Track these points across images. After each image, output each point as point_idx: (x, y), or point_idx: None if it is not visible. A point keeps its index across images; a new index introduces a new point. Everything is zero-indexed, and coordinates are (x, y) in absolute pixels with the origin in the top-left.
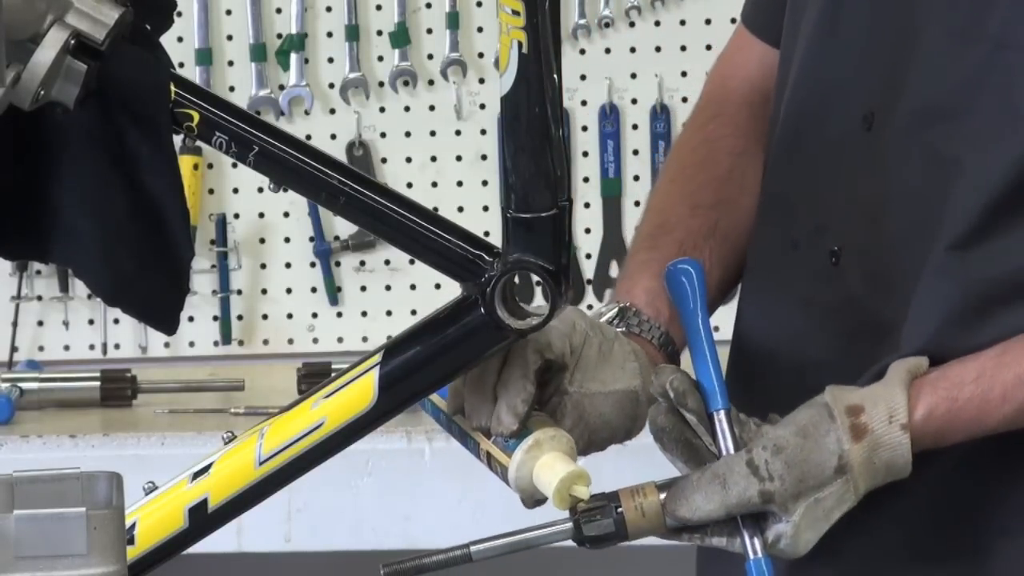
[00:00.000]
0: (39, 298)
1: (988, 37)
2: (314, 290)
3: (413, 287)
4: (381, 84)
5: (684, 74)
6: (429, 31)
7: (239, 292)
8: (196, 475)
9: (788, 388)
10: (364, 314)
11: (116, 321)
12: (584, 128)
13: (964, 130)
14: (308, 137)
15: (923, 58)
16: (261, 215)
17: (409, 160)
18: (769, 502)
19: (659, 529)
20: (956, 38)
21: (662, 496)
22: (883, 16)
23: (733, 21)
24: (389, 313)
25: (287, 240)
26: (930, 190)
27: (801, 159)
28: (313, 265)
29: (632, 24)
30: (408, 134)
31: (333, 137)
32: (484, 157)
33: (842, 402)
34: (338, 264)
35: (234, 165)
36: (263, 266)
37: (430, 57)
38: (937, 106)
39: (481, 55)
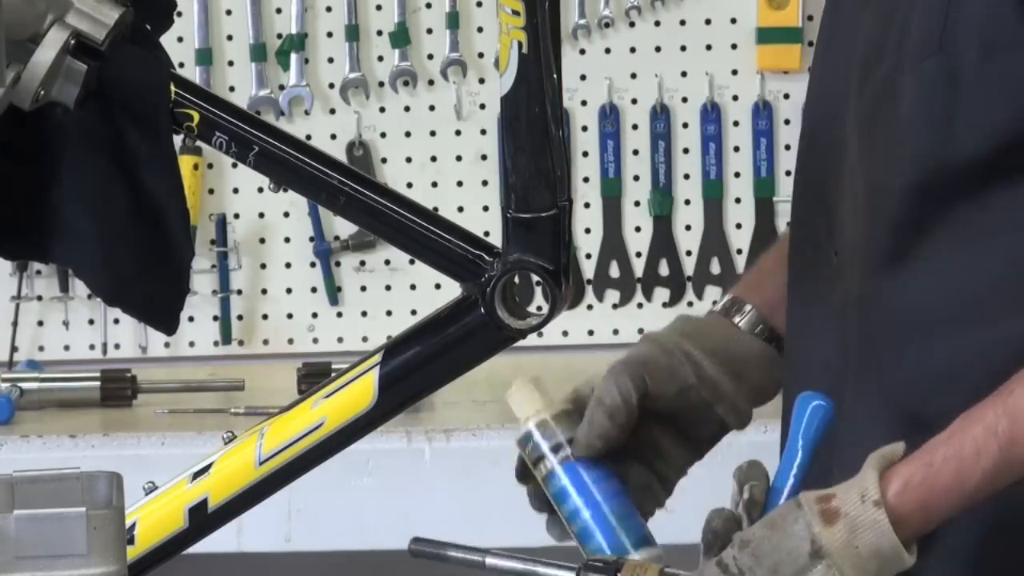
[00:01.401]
0: (39, 298)
1: (888, 55)
2: (314, 290)
3: (413, 287)
4: (381, 84)
5: (684, 74)
6: (429, 31)
7: (239, 292)
8: (196, 475)
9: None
10: (364, 314)
11: (116, 321)
12: (584, 128)
13: (865, 153)
14: (308, 137)
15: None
16: (261, 215)
17: (409, 160)
18: None
19: None
20: (871, 56)
21: None
22: (855, 33)
23: (733, 21)
24: (389, 313)
25: (287, 240)
26: (871, 208)
27: (813, 159)
28: (313, 265)
29: (632, 24)
30: (408, 134)
31: (333, 137)
32: (484, 157)
33: (812, 495)
34: (338, 264)
35: (234, 165)
36: (263, 266)
37: (430, 57)
38: (862, 115)
39: (481, 55)
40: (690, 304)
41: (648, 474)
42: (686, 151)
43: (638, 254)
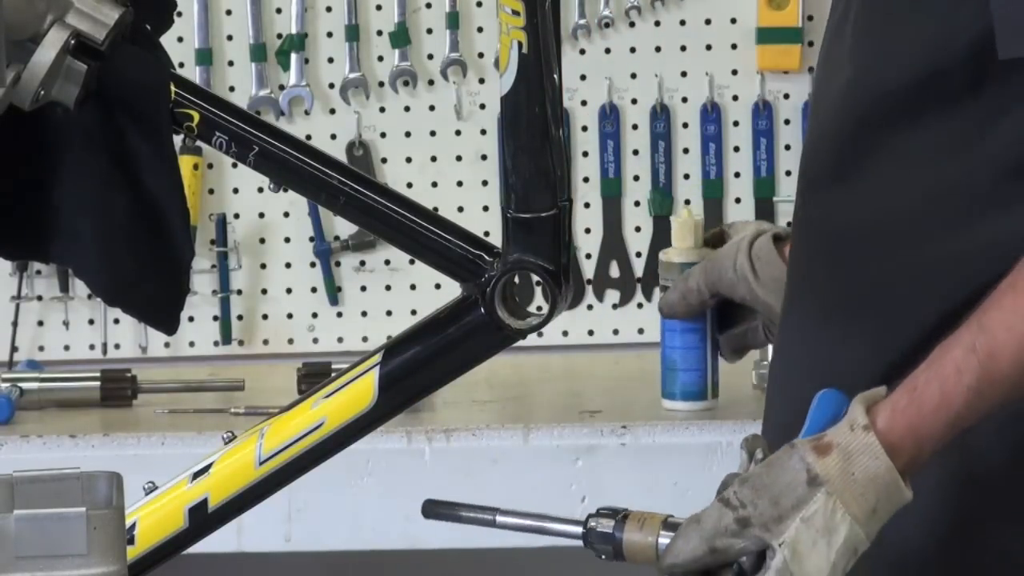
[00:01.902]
0: (39, 298)
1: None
2: (314, 290)
3: (413, 287)
4: (381, 84)
5: (684, 74)
6: (429, 31)
7: (239, 292)
8: (196, 475)
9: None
10: (364, 314)
11: (116, 321)
12: (584, 128)
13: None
14: (308, 137)
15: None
16: (261, 215)
17: (409, 160)
18: (748, 526)
19: (650, 561)
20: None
21: (662, 533)
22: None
23: (733, 21)
24: (389, 313)
25: (287, 240)
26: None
27: (812, 152)
28: (313, 265)
29: (632, 24)
30: (408, 134)
31: (333, 137)
32: (484, 157)
33: (804, 439)
34: (338, 264)
35: (234, 165)
36: (263, 266)
37: (430, 57)
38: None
39: (481, 55)
40: None
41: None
42: (686, 151)
43: (638, 254)
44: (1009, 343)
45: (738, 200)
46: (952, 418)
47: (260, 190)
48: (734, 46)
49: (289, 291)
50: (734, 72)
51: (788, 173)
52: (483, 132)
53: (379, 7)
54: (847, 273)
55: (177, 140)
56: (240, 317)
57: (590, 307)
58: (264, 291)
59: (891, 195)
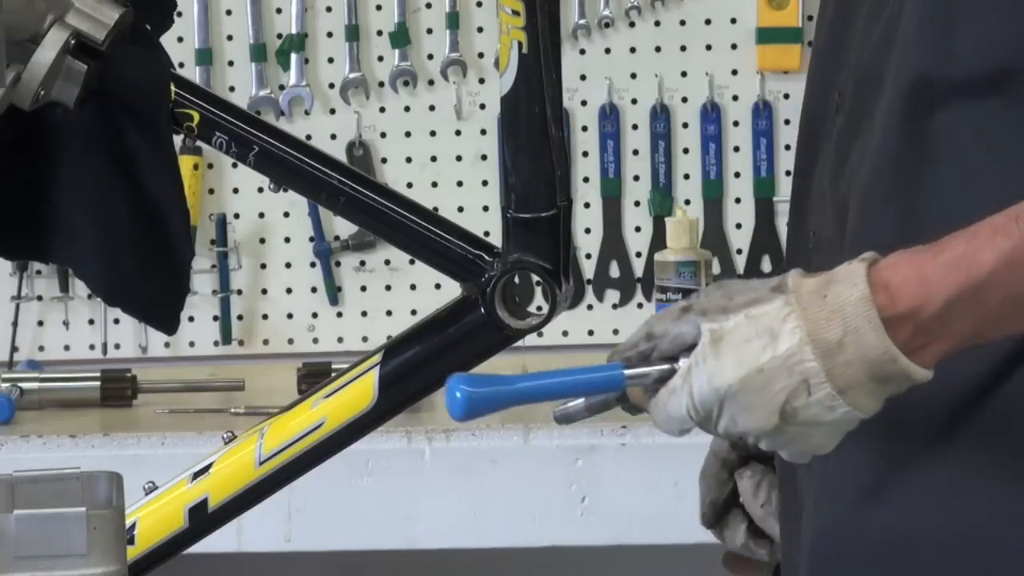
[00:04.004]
0: (39, 298)
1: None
2: (314, 290)
3: (413, 287)
4: (381, 84)
5: (684, 74)
6: (429, 31)
7: (239, 292)
8: (196, 475)
9: None
10: (364, 314)
11: (116, 321)
12: (584, 128)
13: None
14: (308, 137)
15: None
16: (261, 215)
17: (409, 160)
18: (689, 312)
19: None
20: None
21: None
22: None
23: (733, 21)
24: (389, 313)
25: (287, 240)
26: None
27: (802, 140)
28: (313, 265)
29: (632, 24)
30: (408, 134)
31: (333, 137)
32: (484, 157)
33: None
34: (338, 264)
35: (234, 165)
36: (263, 266)
37: (430, 57)
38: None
39: (481, 55)
40: None
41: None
42: (686, 151)
43: (638, 254)
44: None
45: (738, 200)
46: (972, 280)
47: (260, 190)
48: (734, 46)
49: (289, 291)
50: (734, 72)
51: (788, 173)
52: (483, 132)
53: (379, 7)
54: None
55: (177, 140)
56: (240, 317)
57: (590, 307)
58: (264, 291)
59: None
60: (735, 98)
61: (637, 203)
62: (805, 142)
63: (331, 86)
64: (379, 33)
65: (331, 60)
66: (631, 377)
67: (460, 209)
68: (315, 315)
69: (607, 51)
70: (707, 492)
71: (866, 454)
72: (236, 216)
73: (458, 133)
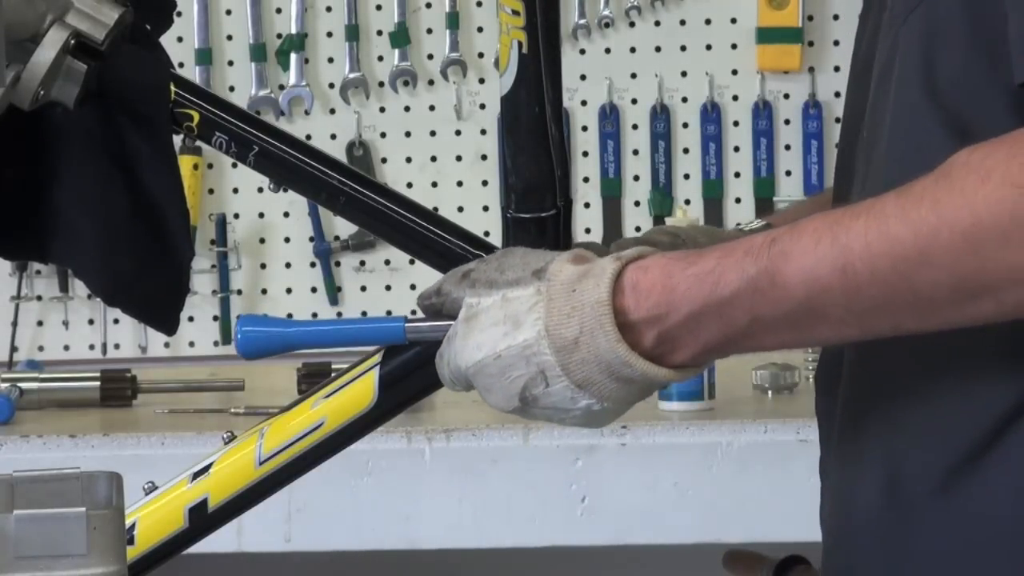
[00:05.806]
0: (39, 298)
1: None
2: (314, 290)
3: (413, 287)
4: (381, 84)
5: (684, 74)
6: (429, 31)
7: (239, 292)
8: (196, 475)
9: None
10: (364, 314)
11: (116, 321)
12: (584, 128)
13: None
14: (308, 137)
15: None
16: (261, 215)
17: (409, 160)
18: (466, 278)
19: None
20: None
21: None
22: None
23: (733, 21)
24: (389, 313)
25: (287, 240)
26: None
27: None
28: (313, 265)
29: (632, 24)
30: (408, 134)
31: (333, 137)
32: (484, 157)
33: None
34: (338, 264)
35: (234, 165)
36: (263, 266)
37: (430, 57)
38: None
39: (481, 55)
40: None
41: None
42: (686, 151)
43: None
44: (806, 253)
45: (738, 200)
46: (716, 298)
47: (260, 190)
48: (734, 46)
49: (289, 291)
50: (734, 72)
51: (788, 173)
52: (483, 132)
53: (379, 7)
54: None
55: (177, 140)
56: (240, 317)
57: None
58: (264, 291)
59: None
60: (735, 98)
61: (637, 203)
62: (843, 151)
63: (331, 86)
64: (379, 33)
65: (331, 60)
66: (411, 331)
67: (460, 209)
68: (315, 315)
69: (607, 51)
70: None
71: (939, 441)
72: (236, 216)
73: (458, 133)
